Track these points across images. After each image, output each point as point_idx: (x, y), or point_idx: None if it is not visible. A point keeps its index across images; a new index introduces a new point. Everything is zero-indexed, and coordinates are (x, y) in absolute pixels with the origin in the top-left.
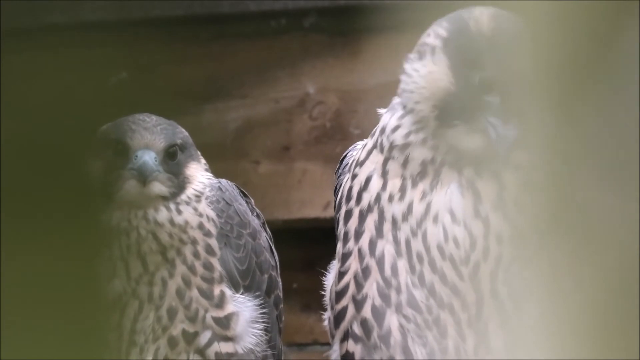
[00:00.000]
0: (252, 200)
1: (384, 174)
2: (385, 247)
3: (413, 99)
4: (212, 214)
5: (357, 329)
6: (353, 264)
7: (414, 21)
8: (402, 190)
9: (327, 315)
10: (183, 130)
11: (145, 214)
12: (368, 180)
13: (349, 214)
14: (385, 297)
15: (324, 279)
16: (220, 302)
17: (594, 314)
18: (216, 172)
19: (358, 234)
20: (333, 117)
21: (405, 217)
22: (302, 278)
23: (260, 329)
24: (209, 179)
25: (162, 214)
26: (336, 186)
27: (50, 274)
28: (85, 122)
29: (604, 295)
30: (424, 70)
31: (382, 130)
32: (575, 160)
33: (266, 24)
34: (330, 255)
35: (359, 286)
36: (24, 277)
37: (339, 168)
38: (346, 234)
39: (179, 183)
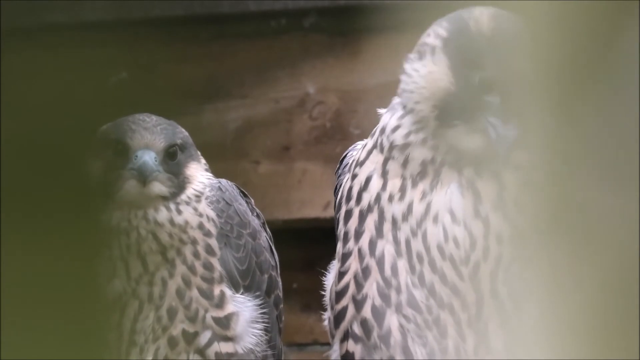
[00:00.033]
0: (252, 200)
1: (384, 174)
2: (385, 247)
3: (413, 99)
4: (212, 214)
5: (357, 329)
6: (353, 264)
7: (414, 21)
8: (402, 190)
9: (327, 315)
10: (183, 130)
11: (145, 214)
12: (368, 180)
13: (349, 214)
14: (385, 297)
15: (324, 279)
16: (220, 302)
17: (594, 313)
18: (216, 172)
19: (358, 234)
20: (333, 117)
21: (405, 217)
22: (302, 278)
23: (260, 329)
24: (209, 179)
25: (162, 214)
26: (336, 186)
27: (50, 273)
28: (85, 122)
29: (603, 295)
30: (424, 70)
31: (382, 130)
32: (575, 160)
33: (266, 24)
34: (330, 255)
35: (359, 286)
36: (24, 277)
37: (339, 168)
38: (346, 234)
39: (179, 183)
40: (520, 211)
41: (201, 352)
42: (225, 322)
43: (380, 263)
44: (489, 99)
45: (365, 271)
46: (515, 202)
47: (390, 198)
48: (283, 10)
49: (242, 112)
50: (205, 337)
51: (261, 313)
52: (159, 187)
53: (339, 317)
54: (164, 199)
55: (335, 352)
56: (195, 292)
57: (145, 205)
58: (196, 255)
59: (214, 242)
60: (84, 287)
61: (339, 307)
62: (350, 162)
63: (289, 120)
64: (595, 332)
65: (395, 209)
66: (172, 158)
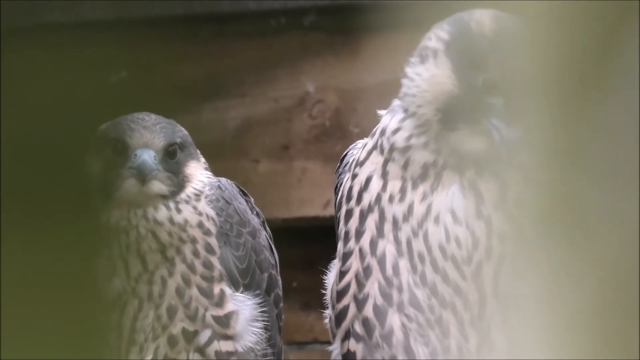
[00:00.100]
0: (252, 199)
1: (384, 175)
2: (387, 246)
3: (416, 102)
4: (212, 213)
5: (358, 328)
6: (354, 264)
7: (413, 20)
8: (402, 191)
9: (328, 313)
10: (182, 129)
11: (145, 213)
12: (368, 180)
13: (349, 214)
14: (386, 297)
15: (324, 277)
16: (220, 301)
17: (595, 313)
18: (216, 170)
19: (359, 234)
20: (332, 115)
21: (405, 217)
22: (301, 277)
23: (260, 328)
24: (208, 177)
25: (162, 213)
26: (336, 185)
27: (50, 273)
28: (85, 121)
29: (604, 295)
30: (426, 73)
31: (382, 132)
32: (575, 160)
33: (266, 23)
34: (330, 254)
35: (361, 285)
36: (24, 277)
37: (339, 167)
38: (347, 233)
39: (179, 182)
40: (521, 211)
41: (201, 350)
42: (225, 321)
43: (381, 262)
44: (492, 101)
45: (367, 270)
46: (517, 202)
47: (391, 199)
48: (283, 9)
49: (242, 111)
50: (205, 335)
51: (261, 312)
52: (158, 186)
53: (340, 316)
54: (164, 197)
55: (336, 350)
56: (195, 291)
57: (144, 204)
58: (196, 254)
59: (213, 241)
60: (83, 286)
61: (340, 306)
62: (351, 161)
63: (289, 119)
64: (596, 332)
65: (396, 209)
66: (172, 157)
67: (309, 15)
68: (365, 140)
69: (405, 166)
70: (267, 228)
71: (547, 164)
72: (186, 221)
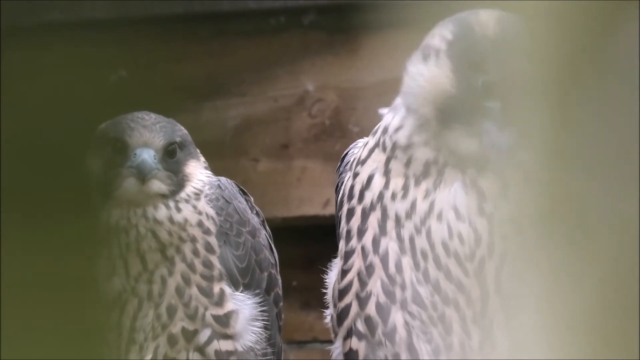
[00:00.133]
0: (252, 198)
1: (387, 173)
2: (389, 244)
3: (416, 101)
4: (212, 212)
5: (361, 326)
6: (356, 262)
7: (413, 19)
8: (405, 189)
9: (329, 312)
10: (182, 128)
11: (145, 212)
12: (370, 178)
13: (351, 212)
14: (389, 294)
15: (324, 276)
16: (220, 300)
17: (595, 312)
18: (215, 170)
19: (361, 232)
20: (332, 114)
21: (408, 214)
22: (301, 276)
23: (260, 327)
24: (208, 177)
25: (162, 212)
26: (337, 184)
27: (50, 272)
28: (85, 120)
29: (604, 294)
30: (427, 73)
31: (385, 130)
32: (576, 160)
33: (266, 22)
34: (330, 253)
35: (363, 283)
36: (24, 276)
37: (340, 166)
38: (349, 232)
39: (178, 181)
40: (523, 209)
41: (201, 350)
42: (224, 320)
43: (384, 260)
44: (489, 104)
45: (369, 269)
46: (519, 201)
47: (393, 196)
48: (282, 8)
49: (242, 110)
50: (204, 335)
51: (261, 311)
52: (158, 185)
53: (342, 315)
54: (163, 196)
55: (337, 349)
56: (194, 290)
57: (144, 203)
58: (195, 253)
59: (213, 240)
60: (83, 285)
61: (342, 304)
62: (352, 160)
63: (288, 118)
64: (596, 330)
65: (398, 207)
66: (171, 156)
67: (309, 15)
68: (366, 139)
69: (407, 164)
70: (267, 227)
71: (547, 163)
72: (186, 220)
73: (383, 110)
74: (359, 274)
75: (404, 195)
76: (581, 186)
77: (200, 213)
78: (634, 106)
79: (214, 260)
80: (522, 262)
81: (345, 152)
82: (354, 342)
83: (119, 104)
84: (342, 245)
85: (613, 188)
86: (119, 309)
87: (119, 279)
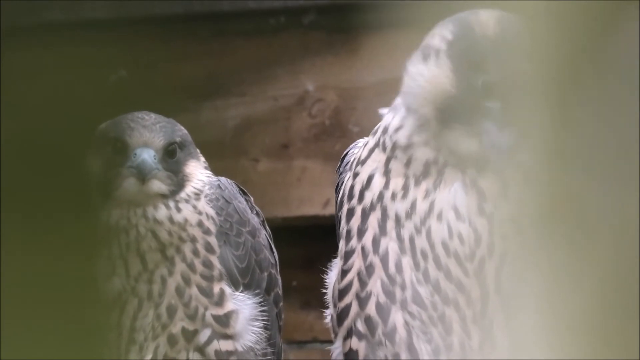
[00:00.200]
0: (252, 198)
1: (387, 173)
2: (389, 244)
3: (416, 100)
4: (212, 212)
5: (361, 326)
6: (356, 262)
7: (413, 19)
8: (405, 188)
9: (329, 312)
10: (182, 128)
11: (145, 212)
12: (370, 178)
13: (351, 212)
14: (389, 294)
15: (324, 276)
16: (220, 300)
17: (595, 311)
18: (215, 170)
19: (361, 232)
20: (332, 114)
21: (408, 214)
22: (301, 276)
23: (260, 327)
24: (208, 176)
25: (162, 212)
26: (337, 184)
27: (50, 272)
28: (85, 120)
29: (604, 294)
30: (427, 73)
31: (385, 130)
32: (576, 160)
33: (265, 22)
34: (330, 253)
35: (363, 283)
36: (24, 276)
37: (340, 166)
38: (349, 232)
39: (178, 181)
40: (523, 209)
41: (201, 350)
42: (224, 320)
43: (384, 260)
44: (489, 104)
45: (369, 268)
46: (519, 201)
47: (393, 196)
48: (282, 7)
49: (242, 110)
50: (204, 335)
51: (261, 311)
52: (158, 185)
53: (342, 315)
54: (163, 196)
55: (337, 349)
56: (194, 290)
57: (144, 203)
58: (195, 253)
59: (213, 240)
60: (83, 285)
61: (342, 304)
62: (352, 160)
63: (288, 118)
64: (596, 330)
65: (399, 207)
66: (171, 156)
67: (309, 14)
68: (366, 139)
69: (407, 164)
70: (267, 227)
71: (547, 163)
72: (186, 220)
73: (383, 110)
74: (359, 274)
75: (404, 195)
76: (581, 186)
77: (200, 213)
78: (634, 106)
79: (214, 260)
80: (522, 262)
81: (345, 152)
82: (354, 342)
83: (119, 104)
84: (342, 245)
85: (613, 188)
86: (119, 309)
87: (119, 279)
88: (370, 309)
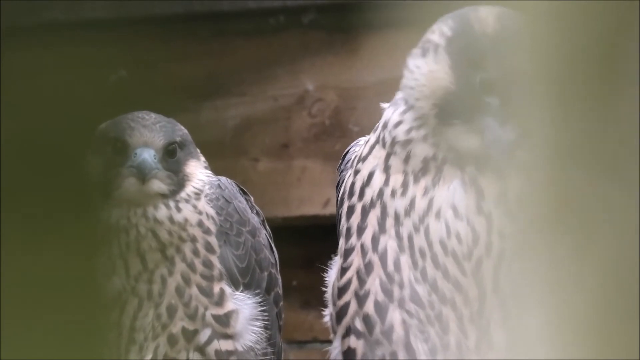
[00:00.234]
0: (252, 198)
1: (387, 169)
2: (388, 242)
3: (413, 95)
4: (212, 212)
5: (359, 324)
6: (355, 260)
7: (413, 18)
8: (404, 185)
9: (328, 311)
10: (182, 127)
11: (145, 212)
12: (371, 175)
13: (351, 210)
14: (388, 293)
15: (324, 276)
16: (220, 300)
17: (595, 310)
18: (215, 169)
19: (361, 230)
20: (332, 114)
21: (407, 212)
22: (301, 275)
23: (260, 327)
24: (208, 176)
25: (162, 212)
26: (338, 182)
27: (50, 272)
28: (85, 120)
29: (604, 292)
30: (425, 68)
31: (385, 125)
32: (576, 159)
33: (265, 22)
34: (330, 253)
35: (362, 282)
36: (24, 276)
37: (341, 164)
38: (348, 229)
39: (179, 181)
40: (522, 208)
41: (201, 349)
42: (225, 320)
43: (383, 258)
44: (488, 100)
45: (368, 267)
46: (518, 200)
47: (393, 193)
48: (282, 7)
49: (241, 110)
50: (205, 334)
51: (261, 311)
52: (158, 185)
53: (341, 313)
54: (163, 196)
55: (336, 348)
56: (194, 290)
57: (144, 203)
58: (196, 252)
59: (213, 240)
60: (83, 285)
61: (341, 302)
62: (353, 157)
63: (288, 118)
64: (596, 330)
65: (398, 204)
66: (172, 156)
67: (309, 14)
68: (367, 137)
69: (406, 160)
70: (267, 227)
71: (548, 162)
72: (186, 220)
73: (384, 105)
74: (357, 272)
75: (403, 192)
76: (582, 185)
77: (200, 213)
78: (635, 105)
79: (214, 260)
80: (520, 262)
81: (346, 150)
82: (352, 341)
83: (119, 104)
84: (341, 242)
85: (614, 187)
86: (119, 308)
87: (119, 278)
88: (369, 307)
